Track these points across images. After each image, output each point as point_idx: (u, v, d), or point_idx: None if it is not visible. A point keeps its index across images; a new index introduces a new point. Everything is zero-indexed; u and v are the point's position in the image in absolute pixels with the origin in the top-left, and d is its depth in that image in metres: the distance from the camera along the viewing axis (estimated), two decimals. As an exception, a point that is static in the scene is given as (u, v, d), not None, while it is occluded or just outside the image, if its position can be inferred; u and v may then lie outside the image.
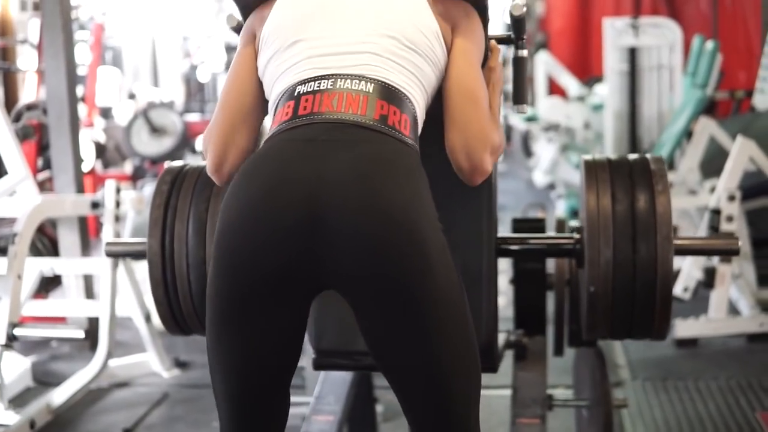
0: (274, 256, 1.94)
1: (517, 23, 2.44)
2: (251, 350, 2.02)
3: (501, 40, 2.49)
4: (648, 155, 2.75)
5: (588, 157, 2.81)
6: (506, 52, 5.90)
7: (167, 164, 2.96)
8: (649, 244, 2.54)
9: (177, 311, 2.80)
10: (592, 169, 2.71)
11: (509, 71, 2.62)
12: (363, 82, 2.07)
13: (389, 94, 2.08)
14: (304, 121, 2.04)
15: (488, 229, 2.71)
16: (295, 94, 2.09)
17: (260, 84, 2.25)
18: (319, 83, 2.08)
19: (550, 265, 3.43)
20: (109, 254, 3.08)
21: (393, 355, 2.02)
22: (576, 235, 2.83)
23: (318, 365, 2.90)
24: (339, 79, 2.08)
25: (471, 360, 2.06)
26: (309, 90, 2.08)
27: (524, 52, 2.47)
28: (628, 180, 2.65)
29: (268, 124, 2.20)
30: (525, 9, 2.37)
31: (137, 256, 2.97)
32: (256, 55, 2.26)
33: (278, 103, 2.14)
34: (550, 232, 3.30)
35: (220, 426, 2.16)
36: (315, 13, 2.18)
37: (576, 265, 2.90)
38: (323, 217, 1.92)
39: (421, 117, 2.16)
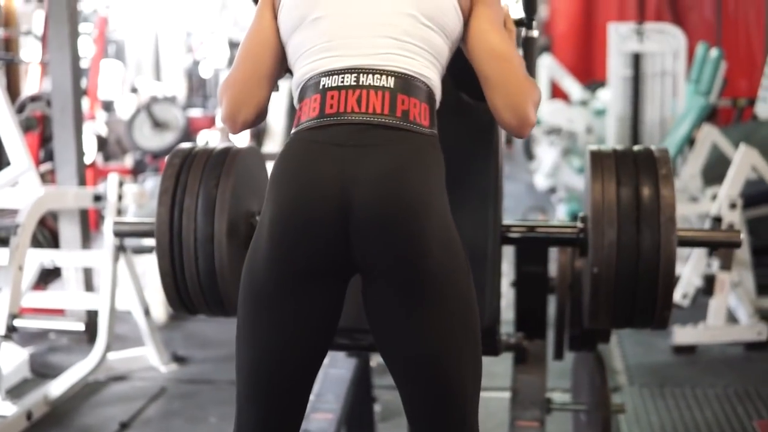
0: (313, 243, 2.08)
1: (529, 2, 2.44)
2: (290, 329, 2.13)
3: (516, 22, 2.48)
4: (652, 146, 2.77)
5: (594, 147, 2.82)
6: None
7: (178, 146, 2.97)
8: (653, 229, 2.57)
9: (182, 287, 2.80)
10: (597, 158, 2.74)
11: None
12: (384, 77, 2.15)
13: (408, 85, 2.16)
14: (331, 121, 2.14)
15: (494, 214, 2.73)
16: (321, 87, 2.18)
17: (279, 43, 2.31)
18: (343, 78, 2.16)
19: (552, 268, 3.43)
20: (117, 234, 3.07)
21: (395, 337, 2.13)
22: (580, 224, 2.86)
23: None
24: (361, 75, 2.16)
25: (472, 347, 2.15)
26: (334, 85, 2.16)
27: (535, 33, 2.47)
28: (633, 168, 2.67)
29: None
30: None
31: (144, 235, 2.97)
32: (275, 14, 2.31)
33: (304, 89, 2.23)
34: (555, 221, 3.30)
35: (237, 425, 2.22)
36: None
37: (579, 254, 2.91)
38: (352, 210, 2.06)
39: (438, 93, 2.25)
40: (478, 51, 2.25)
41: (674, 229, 2.57)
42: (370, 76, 2.16)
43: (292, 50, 2.29)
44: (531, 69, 2.55)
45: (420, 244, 2.06)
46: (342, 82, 2.16)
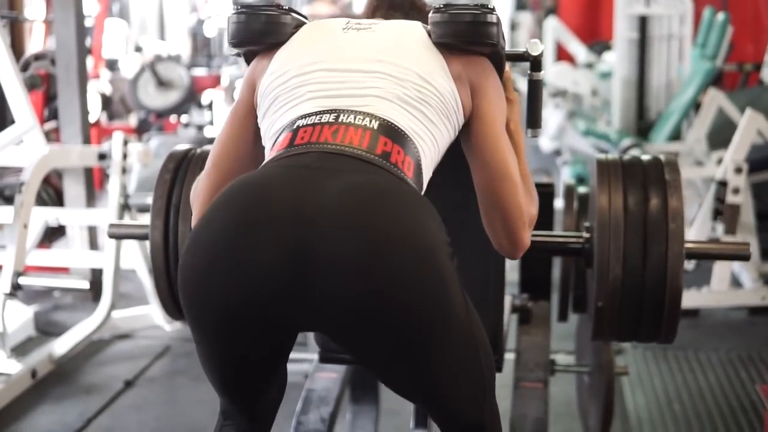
0: (252, 293, 1.72)
1: (536, 62, 2.33)
2: (234, 368, 1.87)
3: (515, 57, 2.35)
4: (662, 156, 2.70)
5: (601, 156, 2.75)
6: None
7: (172, 150, 2.85)
8: (660, 249, 2.47)
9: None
10: (604, 168, 2.63)
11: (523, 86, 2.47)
12: (367, 119, 1.91)
13: (394, 133, 1.91)
14: (299, 150, 1.87)
15: None
16: (294, 126, 1.93)
17: (257, 143, 2.09)
18: (321, 117, 1.92)
19: (558, 228, 3.43)
20: (111, 236, 3.02)
21: (398, 382, 1.88)
22: (585, 234, 2.75)
23: (324, 359, 2.88)
24: (342, 114, 1.92)
25: (483, 379, 1.93)
26: (309, 123, 1.92)
27: (540, 75, 2.34)
28: (641, 180, 2.59)
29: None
30: (543, 48, 2.29)
31: (140, 238, 2.94)
32: (255, 107, 2.11)
33: (276, 138, 1.97)
34: (558, 231, 3.21)
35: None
36: (321, 62, 2.03)
37: (585, 265, 2.84)
38: (312, 249, 1.69)
39: (426, 170, 1.98)
40: (479, 165, 2.05)
41: (682, 246, 2.51)
42: (352, 116, 1.92)
43: (267, 124, 2.04)
44: (537, 112, 2.41)
45: (408, 291, 1.70)
46: (319, 120, 1.92)
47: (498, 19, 2.06)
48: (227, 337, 1.79)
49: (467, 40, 2.05)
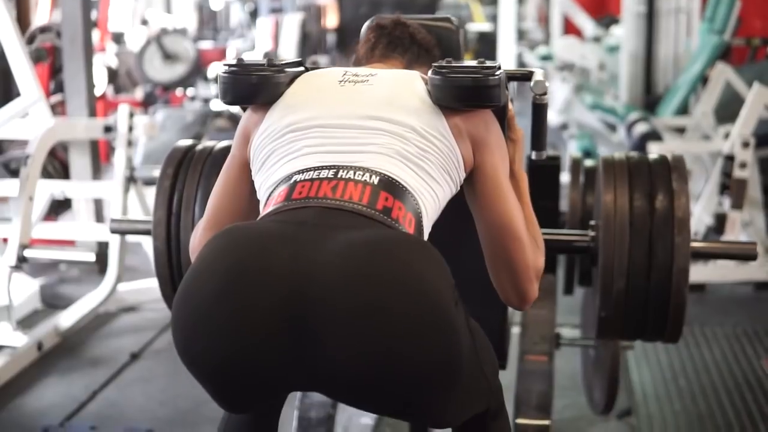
0: (244, 355, 1.67)
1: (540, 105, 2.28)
2: (230, 405, 1.82)
3: (521, 77, 2.32)
4: (668, 155, 2.68)
5: (607, 155, 2.73)
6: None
7: (170, 150, 2.79)
8: (665, 264, 2.47)
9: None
10: (610, 167, 2.63)
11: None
12: (367, 174, 1.85)
13: (395, 188, 1.86)
14: (297, 204, 1.82)
15: None
16: (292, 180, 1.87)
17: (253, 194, 2.03)
18: (319, 172, 1.86)
19: (563, 204, 3.42)
20: (113, 231, 3.01)
21: (404, 418, 1.91)
22: (591, 233, 2.72)
23: None
24: (341, 170, 1.86)
25: (489, 391, 1.94)
26: (307, 177, 1.86)
27: (545, 98, 2.28)
28: (647, 180, 2.57)
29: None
30: (548, 86, 2.20)
31: (143, 233, 2.92)
32: (249, 160, 2.05)
33: (272, 192, 1.91)
34: (565, 230, 3.19)
35: None
36: (317, 118, 1.98)
37: (590, 263, 2.82)
38: (311, 309, 1.63)
39: (426, 226, 1.92)
40: (485, 224, 2.01)
41: (688, 247, 2.48)
42: (352, 171, 1.86)
43: (262, 177, 1.99)
44: (541, 135, 2.35)
45: (414, 346, 1.64)
46: (317, 175, 1.86)
47: (501, 78, 1.99)
48: (220, 389, 1.75)
49: (468, 103, 2.00)
